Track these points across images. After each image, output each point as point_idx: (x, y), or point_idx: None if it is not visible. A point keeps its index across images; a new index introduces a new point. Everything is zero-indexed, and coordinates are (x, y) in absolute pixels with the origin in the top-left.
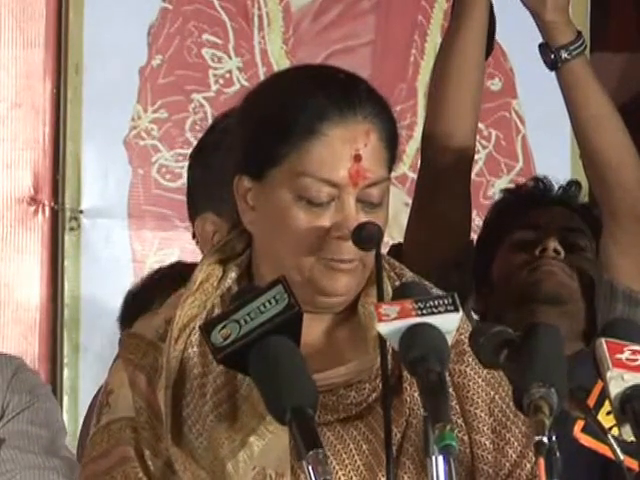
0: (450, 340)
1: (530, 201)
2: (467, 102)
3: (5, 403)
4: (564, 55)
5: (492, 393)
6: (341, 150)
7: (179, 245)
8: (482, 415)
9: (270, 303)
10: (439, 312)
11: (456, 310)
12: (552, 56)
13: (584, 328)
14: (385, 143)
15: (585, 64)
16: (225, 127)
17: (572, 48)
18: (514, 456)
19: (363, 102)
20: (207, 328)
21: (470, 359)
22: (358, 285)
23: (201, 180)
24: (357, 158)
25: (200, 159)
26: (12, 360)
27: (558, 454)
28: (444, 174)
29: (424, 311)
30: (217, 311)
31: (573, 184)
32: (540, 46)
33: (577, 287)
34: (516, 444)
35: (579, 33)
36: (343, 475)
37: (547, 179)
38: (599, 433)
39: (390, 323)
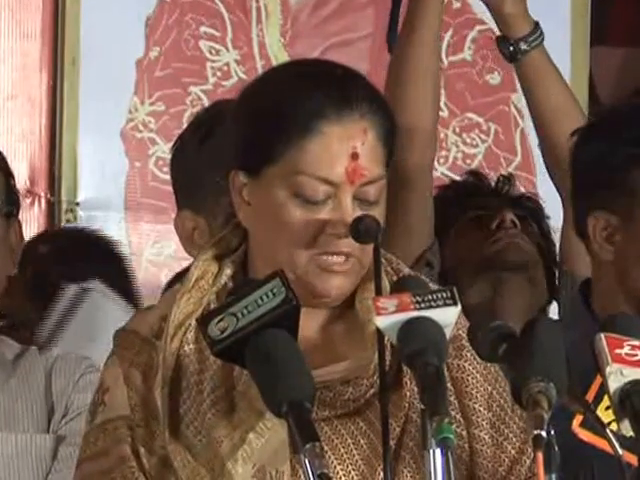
0: (448, 334)
1: (470, 192)
2: (427, 96)
3: (70, 402)
4: (523, 47)
5: (490, 389)
6: (338, 148)
7: (176, 238)
8: (481, 410)
9: (267, 296)
10: (437, 306)
11: (454, 304)
12: (511, 48)
13: (544, 304)
14: (382, 141)
15: (544, 55)
16: (199, 124)
17: (531, 39)
18: (513, 452)
19: (360, 100)
20: (204, 321)
21: (468, 354)
22: (353, 284)
23: (178, 178)
24: (354, 156)
25: (177, 157)
26: (83, 361)
27: (557, 448)
28: (409, 171)
29: (422, 305)
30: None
31: (505, 178)
32: (497, 38)
33: (538, 256)
34: (515, 440)
35: (536, 24)
36: (341, 470)
37: (481, 173)
38: (598, 428)
39: (388, 316)
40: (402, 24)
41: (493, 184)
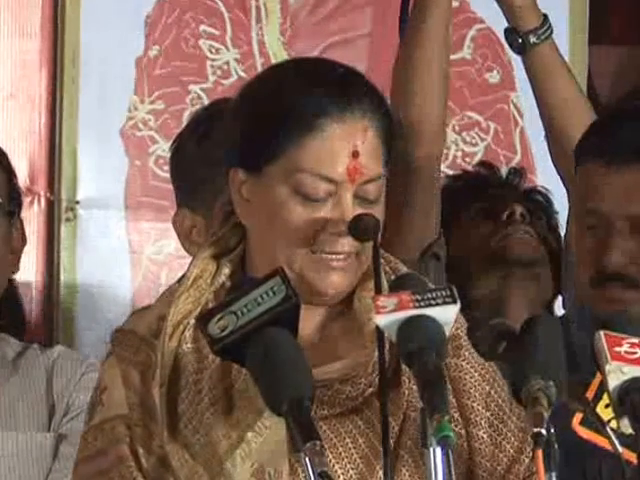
0: (448, 332)
1: (480, 183)
2: (435, 90)
3: (71, 401)
4: (532, 39)
5: (488, 388)
6: (339, 146)
7: (176, 236)
8: (479, 408)
9: (268, 295)
10: (437, 304)
11: (454, 302)
12: (520, 41)
13: (550, 298)
14: (382, 139)
15: (553, 48)
16: (198, 123)
17: (540, 32)
18: (512, 451)
19: (361, 98)
20: (204, 319)
21: (466, 353)
22: (351, 283)
23: (176, 176)
24: (355, 155)
25: (175, 155)
26: (84, 360)
27: (556, 446)
28: (416, 164)
29: (422, 303)
30: None
31: (516, 171)
32: (506, 31)
33: (545, 253)
34: (513, 439)
35: (545, 16)
36: (340, 469)
37: (492, 164)
38: (598, 426)
39: (388, 315)
40: (411, 13)
41: (504, 176)
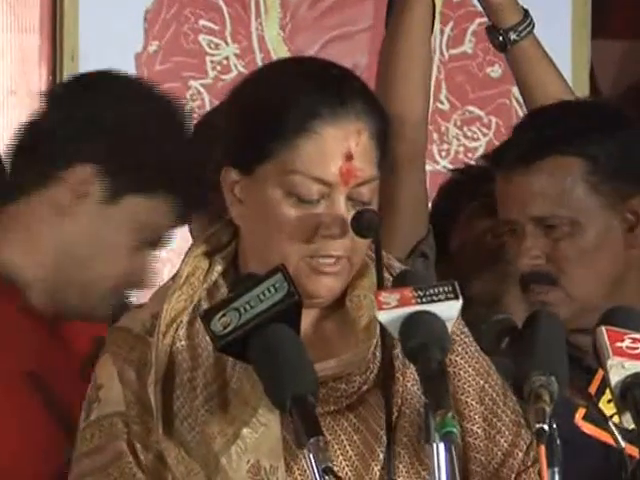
0: (450, 328)
1: (482, 178)
2: (418, 84)
3: None
4: (513, 36)
5: (482, 382)
6: (332, 148)
7: (178, 231)
8: (473, 403)
9: (270, 291)
10: (439, 300)
11: (456, 298)
12: (500, 38)
13: None
14: (376, 141)
15: (535, 44)
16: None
17: (520, 29)
18: (506, 445)
19: (355, 100)
20: (207, 316)
21: (460, 349)
22: (343, 285)
23: None
24: (348, 157)
25: None
26: None
27: (559, 441)
28: (397, 161)
29: (424, 299)
30: (204, 305)
31: None
32: (487, 28)
33: None
34: (507, 433)
35: (526, 12)
36: (335, 465)
37: None
38: (600, 421)
39: (390, 311)
40: (394, 6)
41: None
